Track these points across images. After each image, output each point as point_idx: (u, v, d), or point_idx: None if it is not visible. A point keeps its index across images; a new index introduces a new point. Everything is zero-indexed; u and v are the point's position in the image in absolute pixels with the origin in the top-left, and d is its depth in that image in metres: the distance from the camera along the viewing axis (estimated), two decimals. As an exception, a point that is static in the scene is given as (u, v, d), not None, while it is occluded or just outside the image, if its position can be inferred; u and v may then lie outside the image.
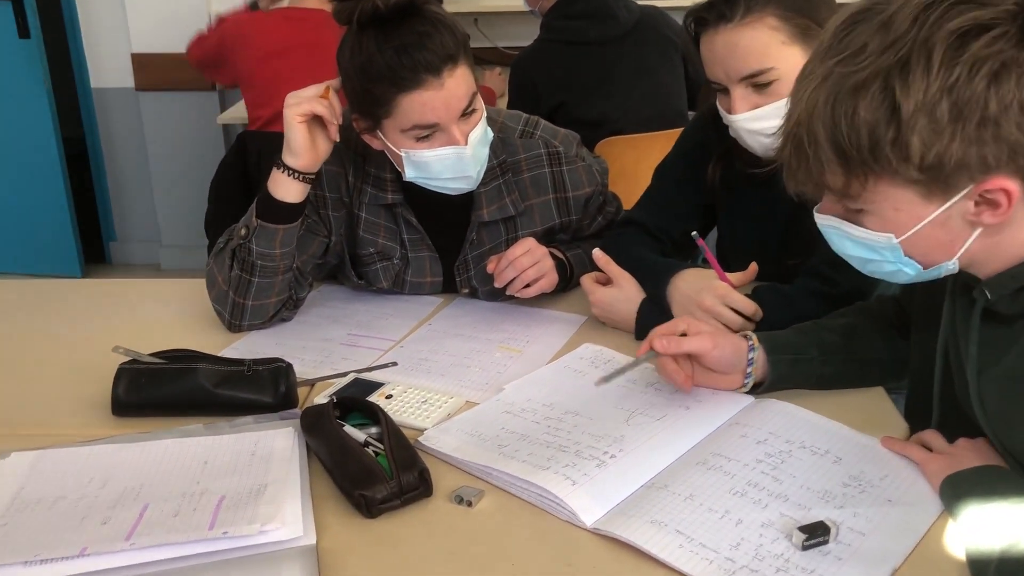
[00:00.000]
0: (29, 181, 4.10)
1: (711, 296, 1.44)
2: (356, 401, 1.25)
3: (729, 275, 1.49)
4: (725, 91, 1.49)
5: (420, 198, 1.59)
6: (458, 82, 1.43)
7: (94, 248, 4.46)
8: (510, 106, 2.91)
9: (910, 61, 0.91)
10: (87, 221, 4.39)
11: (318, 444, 1.19)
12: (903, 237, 1.01)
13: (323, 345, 1.55)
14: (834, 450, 1.20)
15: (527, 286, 1.57)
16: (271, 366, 1.33)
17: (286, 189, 1.50)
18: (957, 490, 1.07)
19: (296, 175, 1.48)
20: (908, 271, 1.05)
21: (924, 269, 1.05)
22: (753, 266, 1.50)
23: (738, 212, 1.69)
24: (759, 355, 1.30)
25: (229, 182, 3.02)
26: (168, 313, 1.68)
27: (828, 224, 1.08)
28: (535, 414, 1.30)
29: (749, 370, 1.30)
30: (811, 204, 1.09)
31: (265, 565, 0.99)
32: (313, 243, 1.63)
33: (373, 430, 1.20)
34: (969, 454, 1.12)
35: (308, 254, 1.62)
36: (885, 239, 1.02)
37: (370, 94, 1.44)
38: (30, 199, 4.12)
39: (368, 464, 1.11)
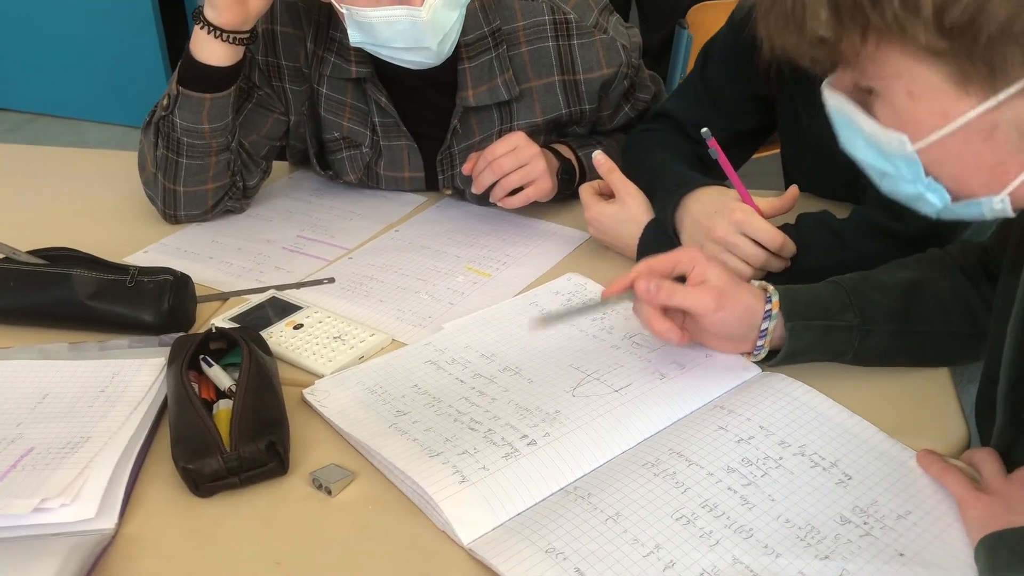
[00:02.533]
0: (121, 27, 3.97)
1: (725, 222, 1.09)
2: (237, 336, 1.00)
3: (759, 199, 1.12)
4: None
5: (394, 72, 1.28)
6: None
7: (190, 100, 4.34)
8: None
9: None
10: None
11: (168, 388, 0.95)
12: (921, 144, 0.66)
13: (262, 248, 1.29)
14: (844, 463, 0.87)
15: (511, 194, 1.26)
16: (157, 278, 1.09)
17: (210, 51, 1.21)
18: (994, 559, 0.73)
19: (220, 34, 1.20)
20: (932, 199, 0.70)
21: (953, 202, 0.69)
22: (793, 190, 1.13)
23: (803, 110, 1.30)
24: (777, 321, 0.96)
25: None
26: (111, 193, 1.46)
27: (836, 107, 0.73)
28: (465, 368, 1.01)
29: (761, 343, 0.96)
30: (797, 72, 0.74)
31: (21, 554, 0.77)
32: (267, 121, 1.35)
33: (246, 375, 0.95)
34: None
35: (260, 134, 1.35)
36: (896, 142, 0.67)
37: None
38: (123, 46, 4.00)
39: (201, 427, 0.86)
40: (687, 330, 0.97)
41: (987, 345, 0.96)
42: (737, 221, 1.07)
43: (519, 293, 1.16)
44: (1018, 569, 0.71)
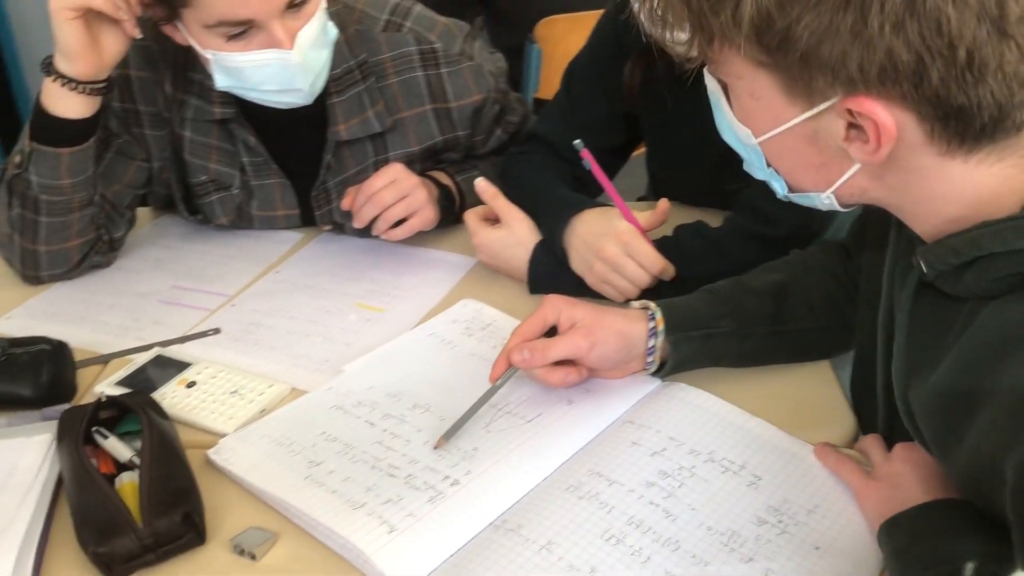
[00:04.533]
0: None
1: (613, 244, 1.12)
2: (130, 402, 0.95)
3: (638, 214, 1.16)
4: None
5: (260, 110, 1.25)
6: None
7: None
8: None
9: None
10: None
11: (64, 467, 0.89)
12: (762, 138, 0.75)
13: (136, 303, 1.24)
14: (752, 464, 0.91)
15: (395, 226, 1.25)
16: (31, 349, 1.02)
17: (65, 104, 1.15)
18: (895, 543, 0.79)
19: (75, 86, 1.14)
20: (776, 187, 0.81)
21: (790, 192, 0.80)
22: (664, 204, 1.17)
23: (665, 124, 1.35)
24: (664, 341, 1.00)
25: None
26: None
27: (711, 90, 0.81)
28: (373, 411, 1.00)
29: (651, 359, 1.00)
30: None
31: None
32: (128, 169, 1.29)
33: (146, 443, 0.91)
34: (911, 480, 0.82)
35: (122, 183, 1.29)
36: (744, 133, 0.77)
37: None
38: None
39: (109, 506, 0.81)
40: (581, 367, 0.99)
41: (857, 329, 1.03)
42: (624, 243, 1.11)
43: (416, 325, 1.16)
44: (917, 548, 0.76)
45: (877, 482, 0.85)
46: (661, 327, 0.99)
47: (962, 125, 0.66)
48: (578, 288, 1.16)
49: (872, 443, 0.90)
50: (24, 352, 1.02)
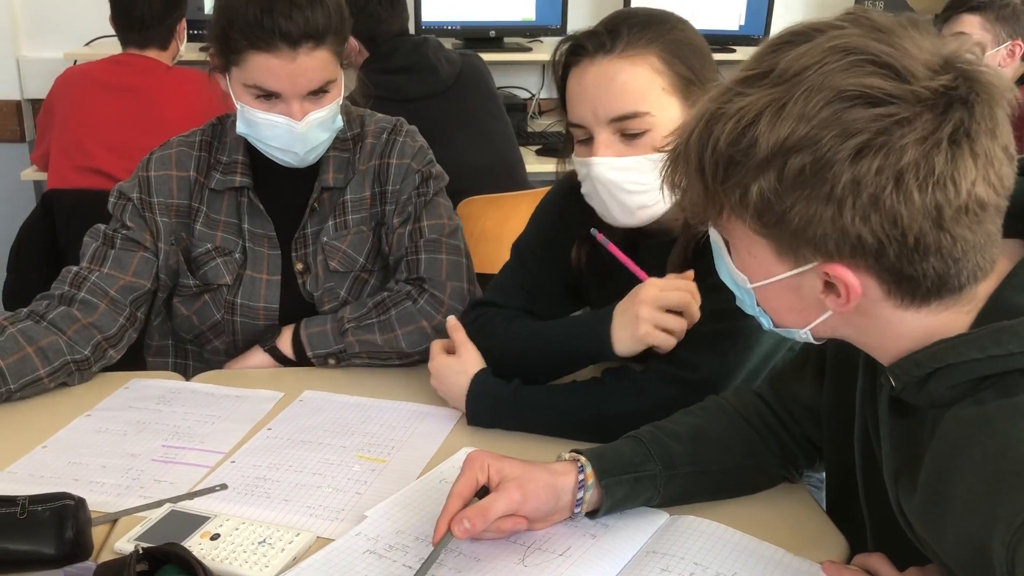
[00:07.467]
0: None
1: (645, 307, 1.24)
2: (169, 552, 0.95)
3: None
4: (587, 141, 1.29)
5: (266, 183, 1.56)
6: (314, 64, 1.40)
7: None
8: None
9: (790, 100, 0.79)
10: None
11: (115, 621, 0.87)
12: (755, 285, 0.90)
13: (129, 463, 1.22)
14: (773, 583, 0.99)
15: None
16: (54, 504, 1.00)
17: None
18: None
19: None
20: (764, 322, 0.95)
21: (775, 327, 0.94)
22: (689, 273, 1.28)
23: (609, 297, 1.46)
24: (593, 490, 1.06)
25: (33, 248, 2.62)
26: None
27: (714, 239, 0.95)
28: (407, 553, 1.02)
29: (578, 510, 1.06)
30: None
31: None
32: (132, 261, 1.51)
33: (192, 592, 0.91)
34: None
35: (130, 276, 1.50)
36: (742, 278, 0.92)
37: (227, 38, 1.40)
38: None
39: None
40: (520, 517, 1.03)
41: (825, 458, 1.15)
42: (653, 298, 1.24)
43: (421, 474, 1.20)
44: None
45: None
46: (591, 481, 1.05)
47: (911, 287, 0.82)
48: (514, 419, 1.30)
49: (880, 560, 0.99)
50: (45, 508, 0.99)
